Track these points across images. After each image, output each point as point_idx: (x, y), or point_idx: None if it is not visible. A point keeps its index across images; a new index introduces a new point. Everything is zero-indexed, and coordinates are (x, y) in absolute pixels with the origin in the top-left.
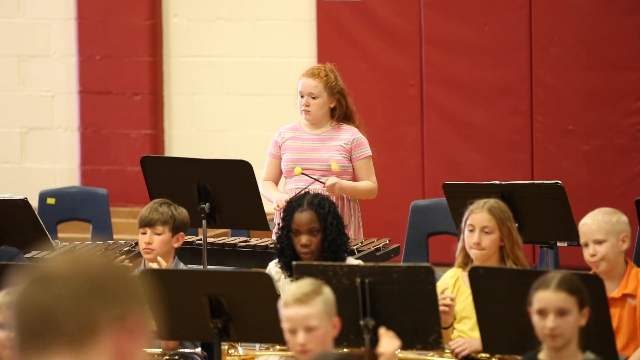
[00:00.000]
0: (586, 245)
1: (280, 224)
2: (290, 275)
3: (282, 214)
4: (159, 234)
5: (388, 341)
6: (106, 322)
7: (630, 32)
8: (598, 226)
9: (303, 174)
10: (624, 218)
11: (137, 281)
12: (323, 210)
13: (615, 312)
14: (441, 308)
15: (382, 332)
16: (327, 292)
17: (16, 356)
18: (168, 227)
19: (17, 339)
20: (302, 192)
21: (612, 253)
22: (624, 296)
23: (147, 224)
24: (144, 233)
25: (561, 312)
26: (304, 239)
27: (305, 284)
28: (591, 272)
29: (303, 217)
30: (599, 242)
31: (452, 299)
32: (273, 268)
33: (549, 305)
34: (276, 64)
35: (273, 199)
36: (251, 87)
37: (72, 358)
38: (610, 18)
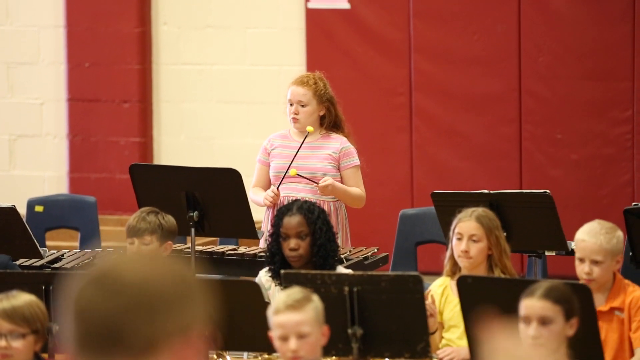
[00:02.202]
0: (582, 260)
1: (270, 231)
2: (280, 284)
3: (271, 215)
4: (147, 244)
5: None
6: (171, 335)
7: (619, 41)
8: (599, 247)
9: (298, 175)
10: (621, 236)
11: (202, 288)
12: (312, 215)
13: (602, 325)
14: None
15: None
16: (316, 300)
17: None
18: (156, 237)
19: (76, 345)
20: (293, 199)
21: (606, 274)
22: (612, 309)
23: (134, 234)
24: (132, 243)
25: (544, 321)
26: (292, 242)
27: (296, 291)
28: (580, 282)
29: (292, 221)
30: (596, 262)
31: (433, 307)
32: (264, 276)
33: (532, 313)
34: (265, 72)
35: (261, 199)
36: (240, 95)
37: None
38: (600, 27)
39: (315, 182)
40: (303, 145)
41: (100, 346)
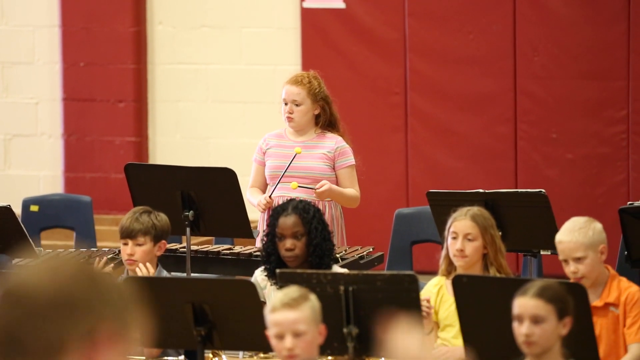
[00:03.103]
0: (565, 261)
1: (266, 230)
2: (276, 283)
3: (266, 216)
4: (140, 245)
5: None
6: (74, 339)
7: (614, 41)
8: (576, 243)
9: (300, 186)
10: (599, 227)
11: (112, 289)
12: (307, 215)
13: (597, 321)
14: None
15: None
16: (314, 298)
17: None
18: (149, 237)
19: None
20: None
21: (593, 268)
22: (606, 305)
23: (128, 235)
24: (126, 244)
25: (536, 320)
26: (288, 242)
27: (293, 290)
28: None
29: (287, 221)
30: (578, 259)
31: (429, 307)
32: (259, 275)
33: (524, 312)
34: (261, 71)
35: (256, 202)
36: (236, 94)
37: None
38: (595, 27)
39: (314, 189)
40: (298, 143)
41: (6, 352)
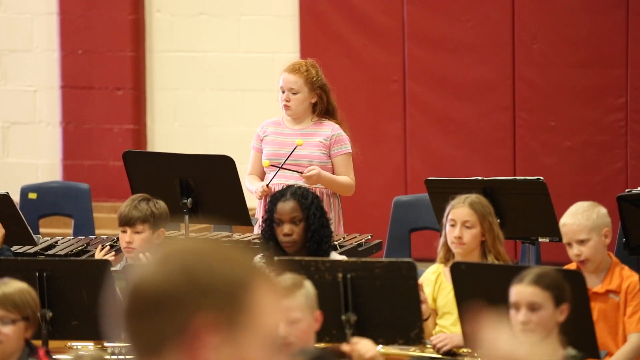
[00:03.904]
0: (569, 244)
1: (264, 216)
2: (274, 270)
3: (264, 203)
4: (139, 232)
5: (366, 343)
6: (171, 335)
7: (613, 29)
8: (579, 226)
9: (272, 165)
10: (603, 211)
11: (217, 276)
12: (306, 201)
13: (596, 306)
14: None
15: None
16: (308, 286)
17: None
18: (148, 225)
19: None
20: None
21: (597, 251)
22: (607, 292)
23: (126, 222)
24: (124, 232)
25: (533, 307)
26: (286, 228)
27: (286, 278)
28: (574, 267)
29: (285, 206)
30: (582, 241)
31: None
32: (257, 263)
33: (521, 299)
34: (259, 59)
35: (254, 189)
36: (234, 82)
37: None
38: (594, 15)
39: (300, 172)
40: (295, 131)
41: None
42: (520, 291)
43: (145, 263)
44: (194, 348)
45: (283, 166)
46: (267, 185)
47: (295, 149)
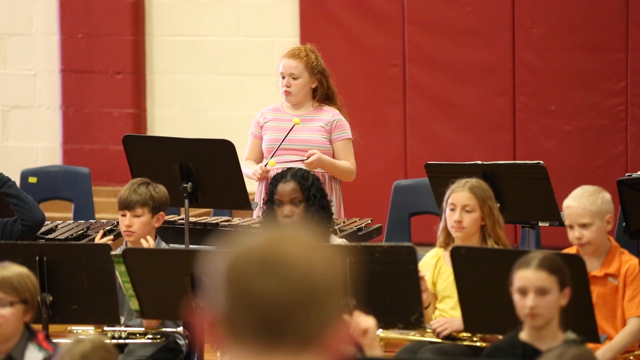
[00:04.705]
0: (571, 227)
1: (265, 198)
2: None
3: (263, 186)
4: (138, 216)
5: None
6: (326, 325)
7: (613, 13)
8: (583, 209)
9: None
10: (607, 197)
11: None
12: (306, 182)
13: (595, 290)
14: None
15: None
16: None
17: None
18: (148, 209)
19: (244, 331)
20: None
21: (598, 236)
22: (606, 275)
23: (126, 206)
24: (124, 215)
25: (541, 292)
26: (286, 209)
27: None
28: (575, 252)
29: (286, 187)
30: (584, 225)
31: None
32: None
33: (529, 284)
34: (259, 43)
35: (251, 172)
36: (234, 66)
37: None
38: None
39: (301, 161)
40: (295, 117)
41: (268, 336)
42: (528, 276)
43: (296, 244)
44: (334, 339)
45: (286, 154)
46: (265, 166)
47: (292, 127)
